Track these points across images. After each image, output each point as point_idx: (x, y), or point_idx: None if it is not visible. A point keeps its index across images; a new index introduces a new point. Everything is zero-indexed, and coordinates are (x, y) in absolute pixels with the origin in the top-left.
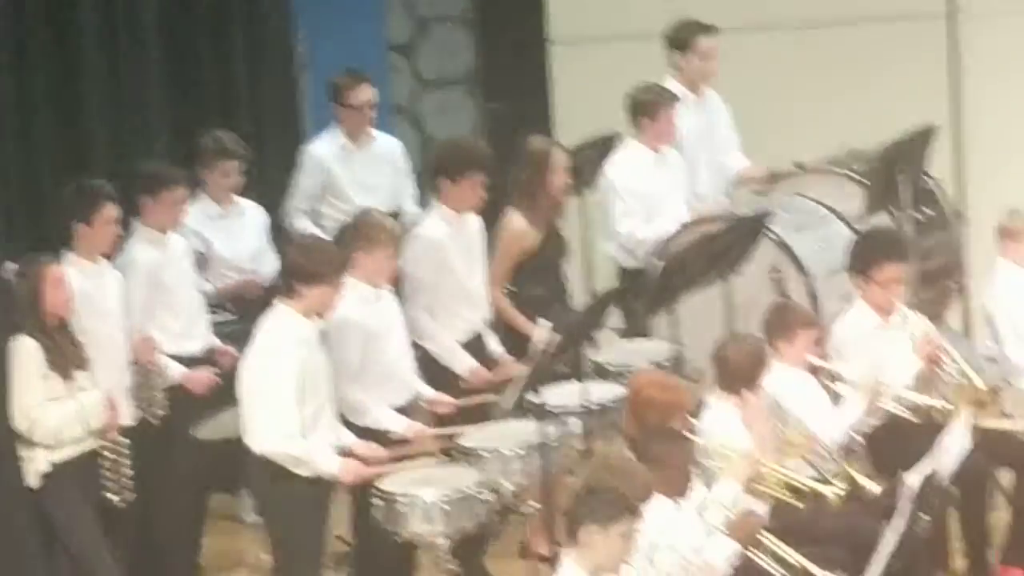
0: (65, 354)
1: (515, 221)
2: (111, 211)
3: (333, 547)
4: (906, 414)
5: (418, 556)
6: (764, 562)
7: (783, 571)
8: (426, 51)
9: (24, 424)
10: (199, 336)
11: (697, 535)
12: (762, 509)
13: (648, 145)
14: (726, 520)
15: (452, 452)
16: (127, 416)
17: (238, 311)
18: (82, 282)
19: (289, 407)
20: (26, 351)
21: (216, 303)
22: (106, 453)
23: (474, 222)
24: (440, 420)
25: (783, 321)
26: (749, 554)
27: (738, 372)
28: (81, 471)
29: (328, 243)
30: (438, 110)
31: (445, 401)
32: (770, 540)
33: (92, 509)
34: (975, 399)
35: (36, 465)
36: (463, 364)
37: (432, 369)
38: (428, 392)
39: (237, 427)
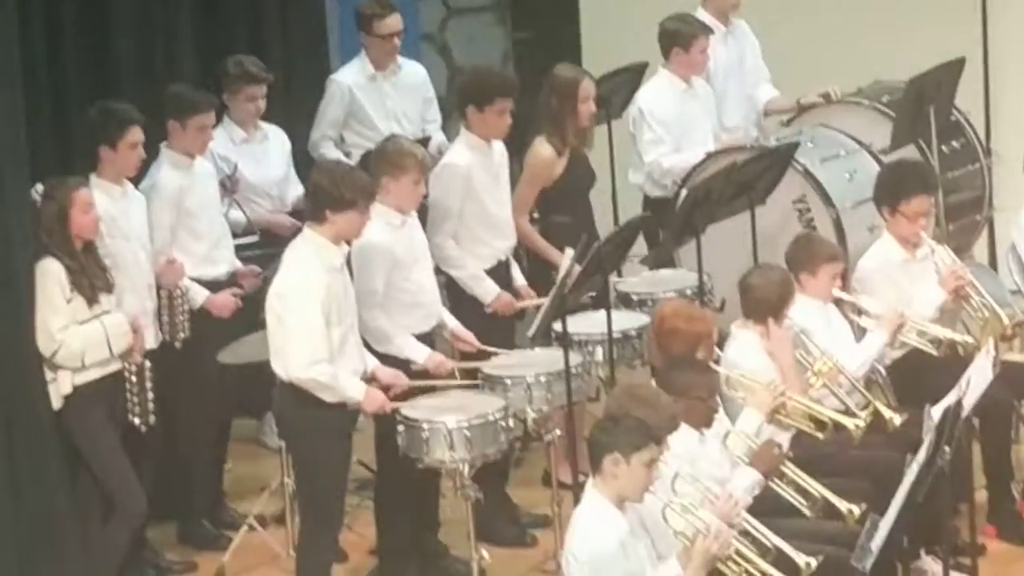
0: (91, 277)
1: (543, 149)
2: (136, 134)
3: (356, 473)
4: (928, 348)
5: (441, 483)
6: (787, 493)
7: (805, 502)
8: None
9: (48, 346)
10: (223, 260)
11: (721, 467)
12: (784, 439)
13: (678, 75)
14: (749, 451)
15: (476, 379)
16: (151, 339)
17: (265, 237)
18: (107, 205)
19: (318, 333)
20: (51, 273)
21: (246, 231)
22: (130, 377)
23: (500, 149)
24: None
25: (807, 254)
26: (772, 485)
27: (764, 302)
28: (105, 393)
29: (357, 169)
30: (466, 38)
31: (469, 340)
32: (793, 471)
33: (116, 431)
34: (1000, 332)
35: (60, 387)
36: (489, 292)
37: (458, 297)
38: (453, 324)
39: (260, 351)
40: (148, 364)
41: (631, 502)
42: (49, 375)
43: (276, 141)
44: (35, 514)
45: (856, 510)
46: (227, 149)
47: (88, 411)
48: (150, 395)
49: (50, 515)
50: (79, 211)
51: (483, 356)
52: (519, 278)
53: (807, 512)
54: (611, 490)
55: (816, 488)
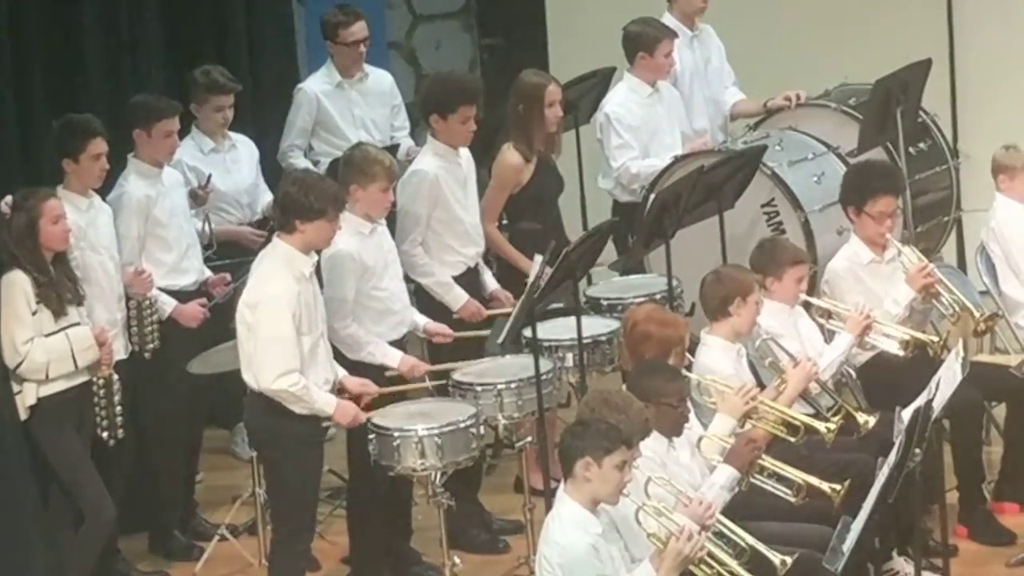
0: (60, 289)
1: (510, 156)
2: (97, 146)
3: (328, 481)
4: (895, 349)
5: (413, 490)
6: (767, 485)
7: (789, 490)
8: None
9: (12, 358)
10: (192, 270)
11: (692, 473)
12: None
13: (644, 79)
14: (723, 452)
15: (447, 387)
16: (120, 350)
17: (224, 251)
18: (75, 217)
19: (289, 343)
20: (17, 285)
21: (212, 243)
22: (98, 391)
23: (467, 156)
24: (434, 354)
25: (771, 258)
26: (753, 480)
27: (710, 300)
28: (71, 404)
29: (326, 179)
30: (433, 45)
31: (443, 332)
32: (771, 462)
33: (85, 442)
34: (972, 328)
35: (25, 399)
36: (457, 299)
37: (427, 304)
38: (424, 321)
39: (231, 361)
40: (116, 377)
41: (605, 505)
42: (15, 387)
43: (244, 150)
44: (2, 525)
45: (839, 488)
46: (196, 159)
47: (54, 422)
48: (118, 409)
49: (18, 526)
50: (48, 221)
51: (456, 352)
52: (492, 282)
53: (791, 499)
54: (583, 494)
55: (796, 475)
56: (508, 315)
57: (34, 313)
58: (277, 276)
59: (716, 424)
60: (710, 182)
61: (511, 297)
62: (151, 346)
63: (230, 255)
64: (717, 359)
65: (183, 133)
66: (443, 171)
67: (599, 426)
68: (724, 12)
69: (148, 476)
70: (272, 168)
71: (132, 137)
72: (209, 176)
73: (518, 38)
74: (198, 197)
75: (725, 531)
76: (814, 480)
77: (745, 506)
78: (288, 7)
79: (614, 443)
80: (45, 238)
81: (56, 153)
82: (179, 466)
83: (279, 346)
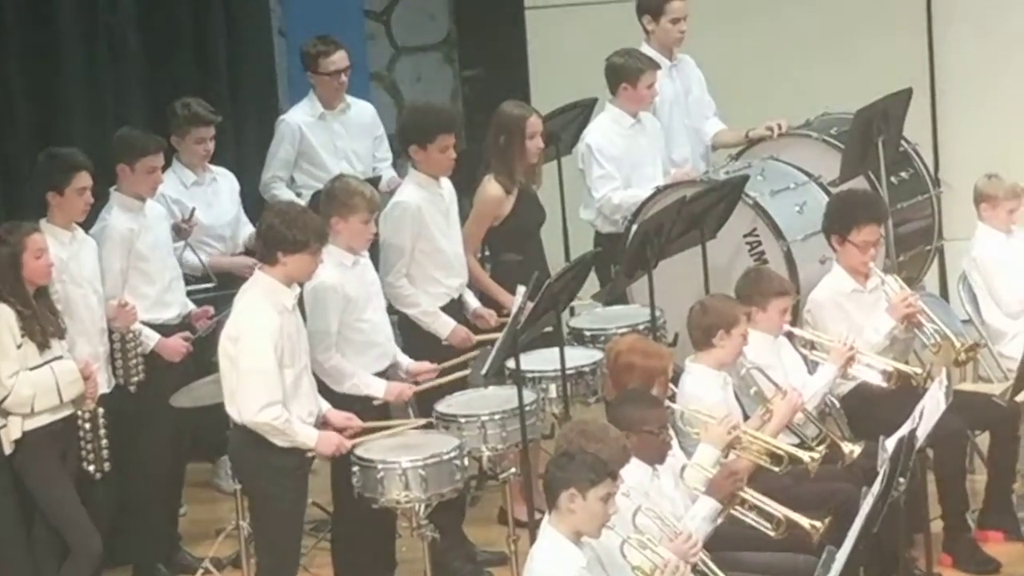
0: (43, 322)
1: (491, 187)
2: (83, 179)
3: (312, 514)
4: (877, 380)
5: (397, 522)
6: (748, 517)
7: (768, 524)
8: (402, 17)
9: None
10: (175, 303)
11: (675, 503)
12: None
13: (626, 110)
14: (706, 482)
15: (431, 419)
16: (104, 384)
17: (221, 281)
18: (58, 250)
19: (271, 376)
20: (2, 319)
21: (203, 275)
22: (83, 424)
23: (449, 186)
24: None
25: (756, 288)
26: (733, 512)
27: (696, 329)
28: (56, 437)
29: (309, 211)
30: (415, 77)
31: (426, 368)
32: (752, 495)
33: (70, 476)
34: (954, 358)
35: (9, 432)
36: (446, 326)
37: (412, 335)
38: (407, 361)
39: (214, 394)
40: (101, 411)
41: (588, 538)
42: (0, 420)
43: (225, 183)
44: None
45: (819, 525)
46: (178, 192)
47: (39, 455)
48: (104, 442)
49: (3, 560)
50: (32, 256)
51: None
52: (473, 301)
53: (771, 533)
54: (568, 526)
55: (777, 509)
56: (496, 339)
57: (19, 347)
58: (259, 309)
59: (700, 454)
60: (692, 212)
61: (495, 315)
62: (136, 378)
63: (220, 286)
64: (703, 387)
65: (164, 166)
66: (425, 202)
67: (584, 458)
68: (703, 42)
69: (132, 509)
70: (255, 201)
71: (115, 171)
72: (193, 210)
73: (499, 70)
74: (181, 231)
75: (706, 570)
76: (794, 515)
77: (730, 535)
78: (269, 39)
79: (600, 475)
80: (28, 272)
81: (40, 186)
82: (163, 499)
83: (261, 379)
